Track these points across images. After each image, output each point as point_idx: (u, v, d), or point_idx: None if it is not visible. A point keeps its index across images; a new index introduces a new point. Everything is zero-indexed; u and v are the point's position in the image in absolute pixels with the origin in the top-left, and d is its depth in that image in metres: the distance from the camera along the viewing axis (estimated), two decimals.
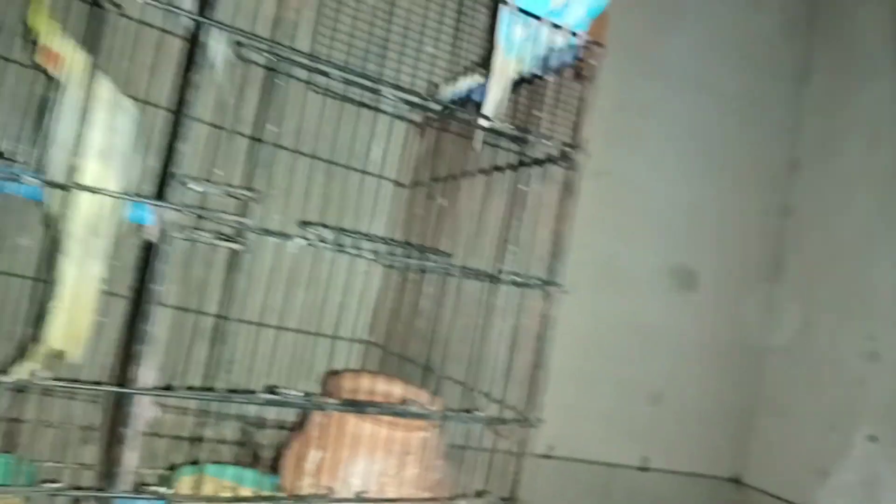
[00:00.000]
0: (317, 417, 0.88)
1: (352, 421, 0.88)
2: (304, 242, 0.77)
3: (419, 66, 1.20)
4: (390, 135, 1.37)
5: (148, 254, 0.84)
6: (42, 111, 0.83)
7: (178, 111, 0.95)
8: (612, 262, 1.70)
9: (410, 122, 1.38)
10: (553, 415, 0.95)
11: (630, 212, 1.72)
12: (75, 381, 0.69)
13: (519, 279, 0.91)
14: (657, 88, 1.76)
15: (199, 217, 0.74)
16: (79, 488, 0.73)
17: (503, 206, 0.98)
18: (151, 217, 0.83)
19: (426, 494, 0.87)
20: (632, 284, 1.73)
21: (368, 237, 0.82)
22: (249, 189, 0.77)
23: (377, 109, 1.32)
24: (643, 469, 1.73)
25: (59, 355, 0.78)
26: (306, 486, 0.83)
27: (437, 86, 1.11)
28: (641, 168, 1.75)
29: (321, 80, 1.16)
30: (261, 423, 1.18)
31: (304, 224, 0.99)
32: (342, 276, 1.31)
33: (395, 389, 0.96)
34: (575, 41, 0.91)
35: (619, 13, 0.94)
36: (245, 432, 1.14)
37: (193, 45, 0.78)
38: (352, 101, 1.29)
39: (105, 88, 0.78)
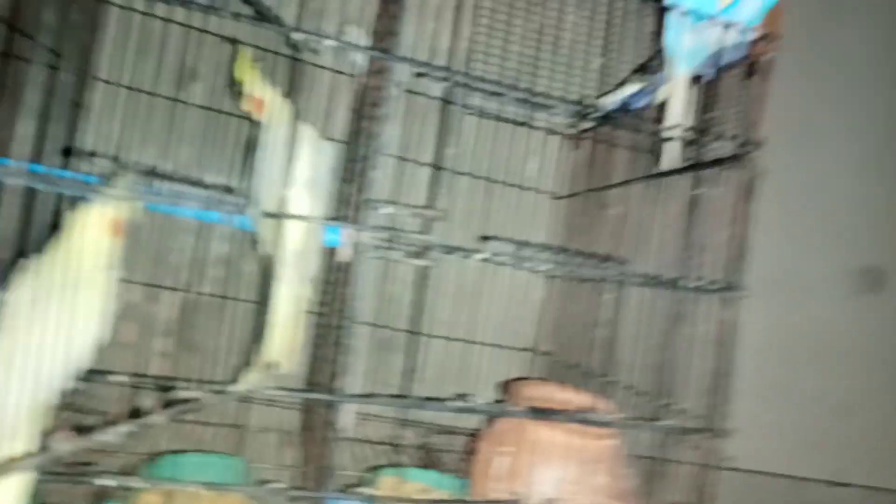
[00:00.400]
0: (501, 424, 0.91)
1: (534, 428, 0.90)
2: (485, 256, 0.81)
3: (570, 80, 1.22)
4: (545, 149, 1.39)
5: (339, 274, 0.92)
6: (249, 151, 0.94)
7: (356, 142, 1.04)
8: (788, 266, 1.60)
9: (564, 135, 1.39)
10: (733, 425, 0.92)
11: (807, 212, 1.61)
12: (293, 389, 0.77)
13: (699, 285, 0.89)
14: (836, 81, 1.64)
15: (390, 239, 0.81)
16: (298, 488, 0.81)
17: (676, 212, 0.96)
18: (343, 240, 0.91)
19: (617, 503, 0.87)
20: (810, 289, 1.61)
21: (544, 248, 0.84)
22: (432, 209, 0.82)
23: (531, 126, 1.35)
24: (835, 484, 1.59)
25: (274, 367, 0.88)
26: (496, 491, 0.86)
27: (597, 97, 1.12)
28: (821, 165, 1.63)
29: (476, 102, 1.22)
30: (441, 430, 1.24)
31: (484, 239, 1.04)
32: (506, 287, 1.35)
33: (572, 398, 0.97)
34: (747, 37, 0.88)
35: (795, 3, 0.90)
36: (427, 437, 1.20)
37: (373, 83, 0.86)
38: (507, 120, 1.33)
39: (305, 127, 0.87)
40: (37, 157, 0.52)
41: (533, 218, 1.38)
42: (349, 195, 0.95)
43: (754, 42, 0.89)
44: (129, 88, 1.12)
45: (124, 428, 0.54)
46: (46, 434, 0.51)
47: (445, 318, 1.28)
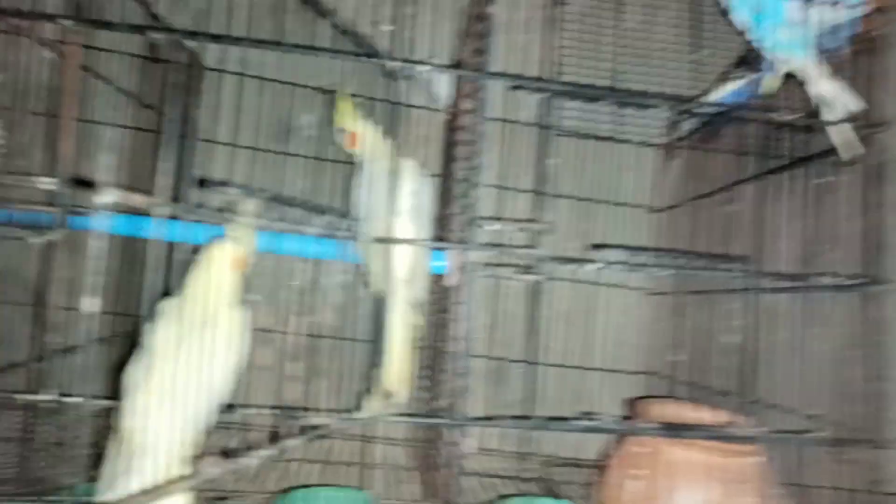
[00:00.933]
0: (631, 446, 0.86)
1: (668, 448, 0.84)
2: (599, 266, 0.78)
3: (665, 81, 1.18)
4: (639, 163, 1.35)
5: (447, 301, 0.91)
6: (351, 188, 0.96)
7: (450, 172, 1.04)
8: None
9: (658, 145, 1.35)
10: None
11: None
12: (415, 414, 0.76)
13: (836, 282, 0.82)
14: None
15: (498, 257, 0.79)
16: None
17: (797, 207, 0.90)
18: (449, 264, 0.91)
19: None
20: None
21: (657, 255, 0.79)
22: (538, 222, 0.80)
23: (623, 140, 1.32)
24: None
25: (392, 396, 0.87)
26: None
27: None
28: None
29: (567, 122, 1.20)
30: (563, 462, 1.19)
31: (595, 247, 1.00)
32: (617, 308, 1.30)
33: (706, 415, 0.90)
34: (856, 13, 0.83)
35: None
36: (549, 468, 1.15)
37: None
38: (599, 137, 1.31)
39: (404, 160, 0.89)
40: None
41: (634, 233, 1.33)
42: (449, 221, 0.95)
43: (866, 17, 0.83)
44: (232, 146, 1.19)
45: (266, 452, 0.54)
46: (196, 459, 0.52)
47: (558, 342, 1.25)
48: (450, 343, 0.83)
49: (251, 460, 0.51)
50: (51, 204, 0.73)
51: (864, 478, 0.81)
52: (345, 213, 0.71)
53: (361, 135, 0.91)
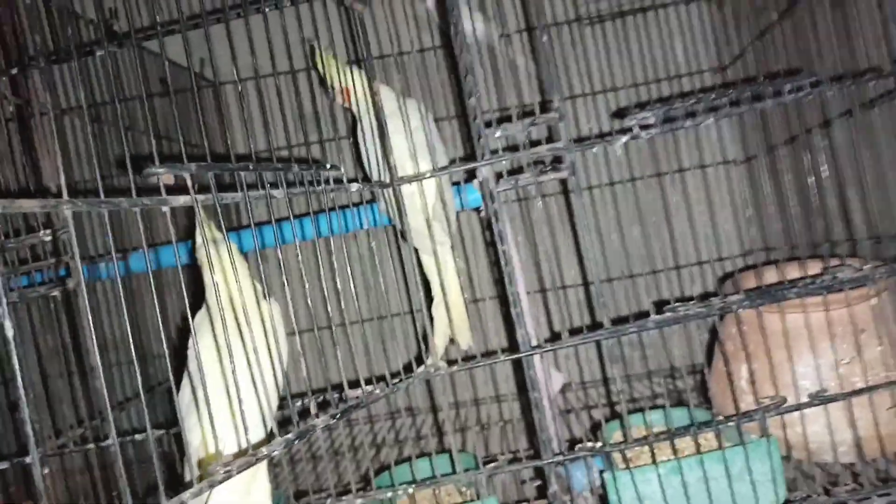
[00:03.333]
0: (731, 328, 0.76)
1: (774, 317, 0.73)
2: (633, 133, 0.67)
3: None
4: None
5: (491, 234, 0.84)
6: (355, 141, 0.90)
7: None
8: None
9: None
10: None
11: None
12: (473, 357, 0.70)
13: None
14: None
15: (511, 172, 0.71)
16: (516, 460, 0.73)
17: None
18: (480, 195, 0.83)
19: None
20: None
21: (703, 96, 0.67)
22: (548, 112, 0.70)
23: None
24: None
25: (454, 344, 0.82)
26: (746, 404, 0.71)
27: None
28: None
29: None
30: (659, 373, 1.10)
31: (617, 115, 0.89)
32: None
33: (811, 269, 0.77)
34: None
35: None
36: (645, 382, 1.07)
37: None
38: None
39: (408, 100, 0.82)
40: None
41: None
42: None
43: None
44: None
45: (334, 413, 0.51)
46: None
47: (611, 248, 1.14)
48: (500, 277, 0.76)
49: (320, 423, 0.48)
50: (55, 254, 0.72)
51: None
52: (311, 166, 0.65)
53: (353, 87, 0.84)
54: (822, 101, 0.69)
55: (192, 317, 0.53)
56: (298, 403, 0.62)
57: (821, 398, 0.67)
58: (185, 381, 0.64)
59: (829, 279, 0.66)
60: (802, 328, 0.71)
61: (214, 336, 0.59)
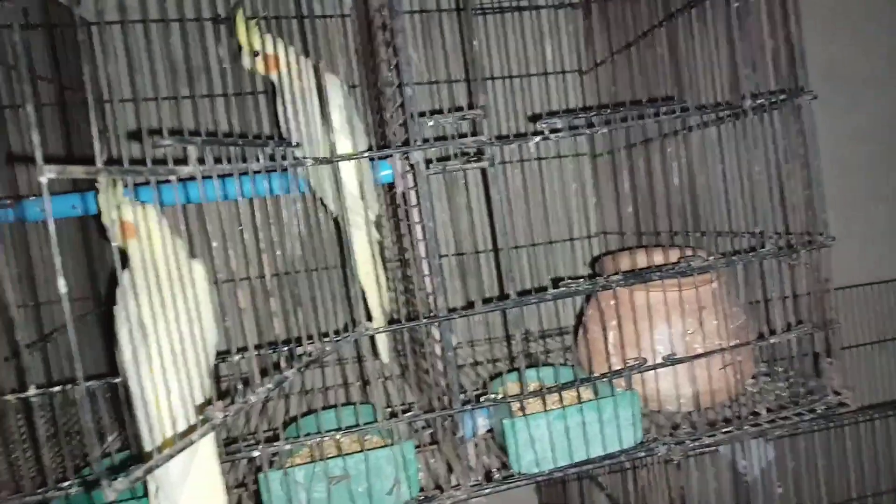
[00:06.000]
0: (602, 302, 0.91)
1: (635, 295, 0.89)
2: (544, 136, 0.79)
3: None
4: (557, 28, 1.34)
5: (402, 208, 0.92)
6: (275, 112, 0.93)
7: (370, 79, 1.02)
8: (845, 62, 1.51)
9: (571, 5, 1.34)
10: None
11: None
12: (398, 321, 0.79)
13: (761, 102, 0.85)
14: None
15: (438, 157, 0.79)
16: (429, 411, 0.84)
17: (716, 38, 0.91)
18: (396, 169, 0.91)
19: (733, 341, 0.86)
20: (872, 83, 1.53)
21: (595, 113, 0.80)
22: (474, 110, 0.80)
23: (538, 7, 1.30)
24: None
25: (374, 318, 0.89)
26: (615, 365, 0.87)
27: None
28: None
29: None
30: (541, 334, 1.26)
31: (532, 119, 1.01)
32: (560, 179, 1.33)
33: (664, 257, 0.96)
34: None
35: None
36: (528, 343, 1.21)
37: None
38: (516, 8, 1.28)
39: (328, 75, 0.86)
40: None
41: (567, 99, 1.34)
42: (386, 127, 0.94)
43: None
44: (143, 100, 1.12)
45: (264, 387, 0.56)
46: (202, 408, 0.53)
47: (518, 224, 1.28)
48: (416, 248, 0.84)
49: (253, 398, 0.53)
50: None
51: (809, 279, 0.88)
52: (280, 143, 0.70)
53: (275, 56, 0.87)
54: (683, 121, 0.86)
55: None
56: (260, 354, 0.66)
57: (672, 360, 0.84)
58: (124, 338, 0.66)
59: (684, 266, 0.83)
60: (661, 304, 0.88)
61: (142, 298, 0.62)
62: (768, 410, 0.88)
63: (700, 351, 0.86)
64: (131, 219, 0.68)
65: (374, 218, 0.91)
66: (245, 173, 0.64)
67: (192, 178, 0.56)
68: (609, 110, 0.81)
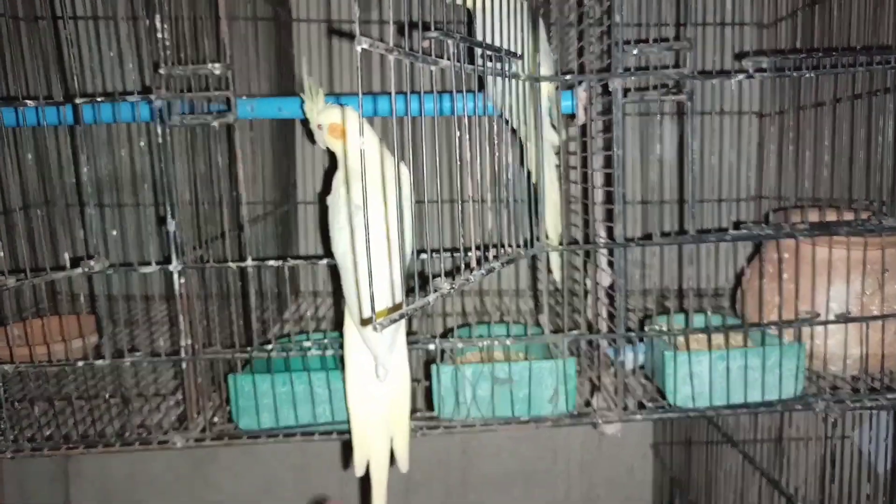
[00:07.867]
0: (771, 253, 0.91)
1: (811, 248, 0.88)
2: (748, 73, 0.78)
3: None
4: None
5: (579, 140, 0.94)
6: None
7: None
8: None
9: None
10: None
11: None
12: (575, 243, 0.82)
13: None
14: None
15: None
16: (596, 332, 0.87)
17: None
18: (579, 99, 0.92)
19: None
20: None
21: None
22: (679, 41, 0.80)
23: None
24: None
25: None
26: (775, 317, 0.86)
27: None
28: None
29: None
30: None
31: (738, 57, 0.98)
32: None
33: (843, 216, 0.92)
34: None
35: None
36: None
37: None
38: None
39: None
40: None
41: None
42: (582, 55, 0.95)
43: None
44: None
45: (473, 274, 0.61)
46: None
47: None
48: (592, 179, 0.86)
49: (456, 284, 0.57)
50: (219, 89, 0.78)
51: None
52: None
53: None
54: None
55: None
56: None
57: (846, 318, 0.83)
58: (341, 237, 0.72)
59: (874, 224, 0.81)
60: (841, 261, 0.86)
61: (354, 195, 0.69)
62: None
63: (876, 313, 0.84)
64: (339, 121, 0.74)
65: (559, 144, 0.93)
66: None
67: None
68: (821, 53, 0.79)
